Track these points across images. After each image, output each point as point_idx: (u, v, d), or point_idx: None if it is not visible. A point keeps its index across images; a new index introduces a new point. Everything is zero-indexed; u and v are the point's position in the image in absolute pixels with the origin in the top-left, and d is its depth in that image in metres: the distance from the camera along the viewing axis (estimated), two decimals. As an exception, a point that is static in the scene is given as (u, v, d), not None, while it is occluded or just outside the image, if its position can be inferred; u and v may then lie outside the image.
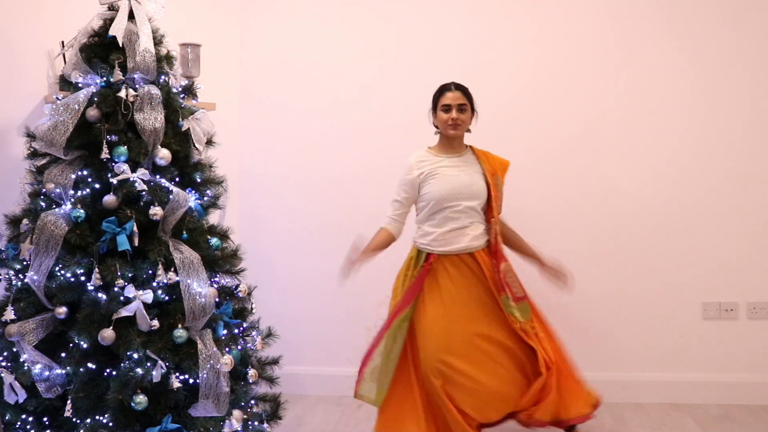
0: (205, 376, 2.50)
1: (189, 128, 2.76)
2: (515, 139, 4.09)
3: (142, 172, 2.57)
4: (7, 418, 2.58)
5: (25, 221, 2.64)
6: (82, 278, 2.52)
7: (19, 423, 2.57)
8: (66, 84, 2.75)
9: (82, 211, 2.53)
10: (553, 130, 4.11)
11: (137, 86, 2.65)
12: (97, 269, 2.49)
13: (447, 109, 3.19)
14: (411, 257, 3.26)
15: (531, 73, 4.15)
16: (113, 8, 2.72)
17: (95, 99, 2.59)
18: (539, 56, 4.13)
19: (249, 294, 2.95)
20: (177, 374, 2.50)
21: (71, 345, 2.53)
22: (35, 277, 2.52)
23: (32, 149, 2.71)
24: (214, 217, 2.93)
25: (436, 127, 3.29)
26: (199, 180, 2.81)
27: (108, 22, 2.69)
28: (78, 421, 2.49)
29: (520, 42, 4.15)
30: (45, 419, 2.58)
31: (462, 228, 3.16)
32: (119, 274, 2.48)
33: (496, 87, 4.10)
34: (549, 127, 4.12)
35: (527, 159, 4.05)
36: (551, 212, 4.12)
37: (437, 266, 3.16)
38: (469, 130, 3.28)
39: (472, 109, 3.25)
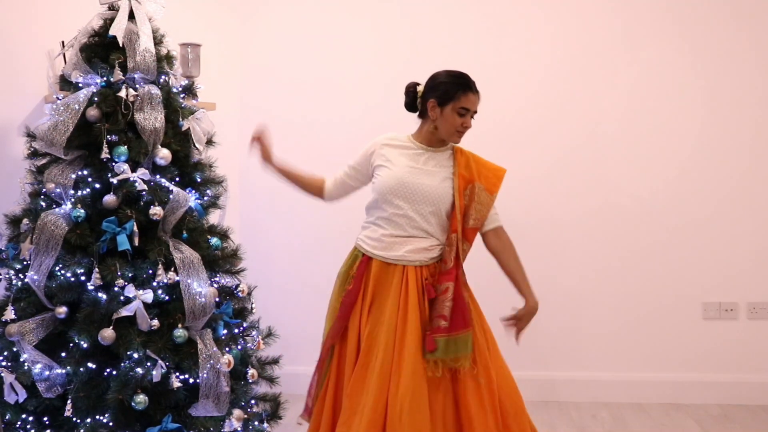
0: (205, 375, 2.50)
1: (189, 128, 2.76)
2: (517, 143, 4.10)
3: (142, 172, 2.57)
4: (7, 417, 2.58)
5: (25, 221, 2.64)
6: (82, 278, 2.52)
7: (19, 423, 2.57)
8: (66, 84, 2.75)
9: (82, 210, 2.53)
10: (555, 134, 4.11)
11: (137, 86, 2.65)
12: (97, 269, 2.49)
13: (464, 113, 2.58)
14: (345, 262, 2.76)
15: (536, 78, 4.14)
16: (113, 8, 2.72)
17: (95, 99, 2.59)
18: (541, 63, 4.13)
19: (249, 294, 2.95)
20: (177, 374, 2.50)
21: (71, 345, 2.53)
22: (35, 277, 2.52)
23: (32, 149, 2.71)
24: (214, 217, 2.93)
25: (424, 116, 2.67)
26: (199, 180, 2.81)
27: (108, 22, 2.69)
28: (78, 421, 2.49)
29: (522, 49, 4.15)
30: (45, 419, 2.58)
31: (404, 237, 2.61)
32: (119, 273, 2.48)
33: (495, 92, 4.09)
34: (551, 132, 4.11)
35: (527, 160, 4.05)
36: (552, 214, 4.12)
37: (370, 270, 2.65)
38: None
39: None
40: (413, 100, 2.71)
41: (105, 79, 2.64)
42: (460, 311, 2.55)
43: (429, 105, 2.62)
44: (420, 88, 2.70)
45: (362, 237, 2.73)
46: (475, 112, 2.64)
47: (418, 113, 2.72)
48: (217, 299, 2.69)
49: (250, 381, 2.80)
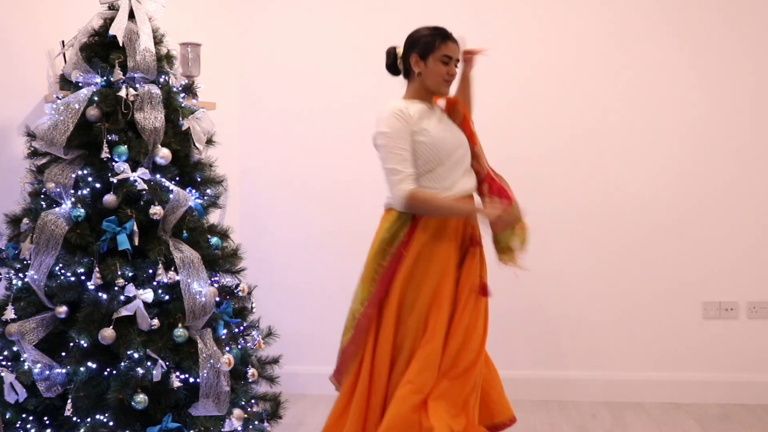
0: (205, 375, 2.51)
1: (189, 127, 2.76)
2: (517, 141, 4.09)
3: (143, 172, 2.57)
4: (7, 417, 2.58)
5: (25, 220, 2.64)
6: (83, 277, 2.52)
7: (19, 422, 2.57)
8: (66, 83, 2.75)
9: (82, 210, 2.53)
10: (554, 131, 4.11)
11: (137, 85, 2.65)
12: (97, 268, 2.50)
13: (447, 60, 2.67)
14: (390, 226, 2.68)
15: (531, 76, 4.14)
16: (113, 7, 2.73)
17: (95, 98, 2.59)
18: (539, 58, 4.13)
19: (249, 293, 2.95)
20: (177, 373, 2.50)
21: (71, 344, 2.53)
22: (35, 277, 2.52)
23: (32, 148, 2.71)
24: (214, 217, 2.93)
25: (409, 73, 2.73)
26: (199, 179, 2.81)
27: (108, 22, 2.69)
28: (78, 421, 2.50)
29: (520, 44, 4.14)
30: (45, 418, 2.58)
31: (460, 177, 2.71)
32: (119, 273, 2.49)
33: (497, 89, 4.10)
34: (550, 129, 4.11)
35: (528, 160, 4.05)
36: (551, 212, 4.11)
37: (417, 234, 2.65)
38: None
39: None
40: (394, 61, 2.78)
41: (105, 78, 2.64)
42: (500, 191, 2.75)
43: (412, 60, 2.70)
44: (399, 50, 2.77)
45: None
46: (458, 60, 2.73)
47: (402, 74, 2.78)
48: (217, 299, 2.69)
49: (250, 380, 2.80)
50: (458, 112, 2.84)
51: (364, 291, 2.70)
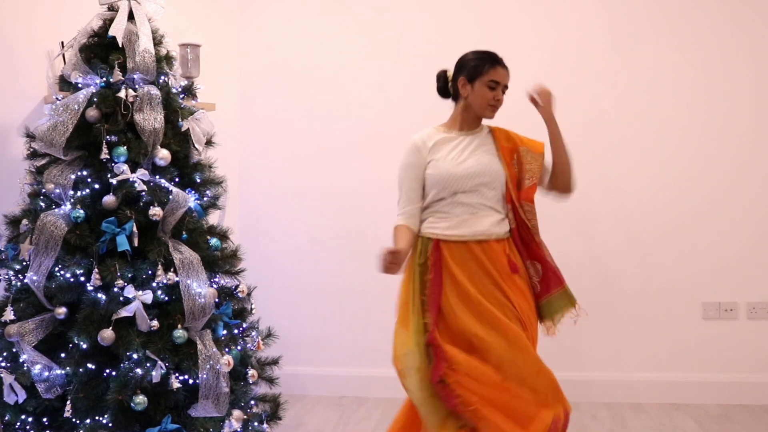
0: (204, 376, 2.51)
1: (189, 128, 2.76)
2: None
3: (142, 173, 2.57)
4: (6, 418, 2.58)
5: (24, 221, 2.64)
6: (82, 278, 2.52)
7: (18, 423, 2.57)
8: (66, 84, 2.75)
9: (81, 211, 2.53)
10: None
11: (137, 86, 2.65)
12: (96, 269, 2.50)
13: (494, 86, 2.70)
14: (416, 249, 2.69)
15: (531, 75, 4.14)
16: (113, 8, 2.73)
17: (95, 99, 2.60)
18: (539, 58, 4.13)
19: (248, 294, 2.95)
20: (177, 374, 2.50)
21: (71, 345, 2.53)
22: (35, 278, 2.52)
23: (32, 149, 2.71)
24: (213, 218, 2.93)
25: (456, 98, 2.77)
26: (198, 180, 2.81)
27: (108, 23, 2.69)
28: (78, 422, 2.50)
29: (520, 44, 4.14)
30: (44, 420, 2.58)
31: (474, 215, 2.67)
32: (119, 274, 2.49)
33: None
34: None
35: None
36: (552, 212, 4.11)
37: (445, 254, 2.64)
38: None
39: None
40: (445, 85, 2.80)
41: (104, 79, 2.64)
42: (548, 271, 2.81)
43: (459, 83, 2.72)
44: (450, 73, 2.78)
45: (427, 226, 2.69)
46: (506, 86, 2.75)
47: (451, 97, 2.80)
48: (217, 300, 2.69)
49: (250, 382, 2.80)
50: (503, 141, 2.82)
51: (408, 324, 2.61)
